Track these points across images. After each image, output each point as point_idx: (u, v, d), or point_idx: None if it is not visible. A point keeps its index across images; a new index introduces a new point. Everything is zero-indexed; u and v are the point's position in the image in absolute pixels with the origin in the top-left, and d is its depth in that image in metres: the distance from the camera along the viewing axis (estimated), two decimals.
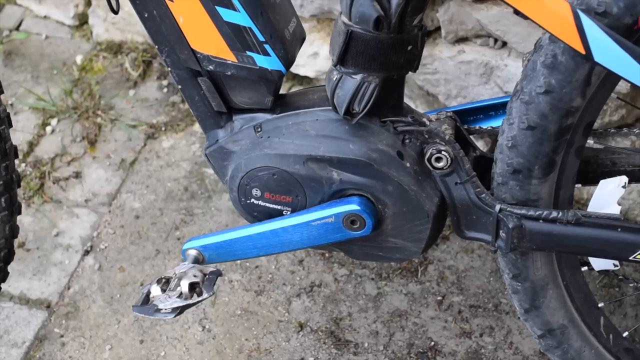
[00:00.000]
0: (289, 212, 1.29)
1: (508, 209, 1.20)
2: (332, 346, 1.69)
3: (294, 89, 2.06)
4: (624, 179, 1.20)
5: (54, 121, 2.11)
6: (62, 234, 1.90)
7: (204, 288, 1.24)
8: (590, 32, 1.02)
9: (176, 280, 1.25)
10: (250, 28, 1.19)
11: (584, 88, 1.10)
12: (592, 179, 1.28)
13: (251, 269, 1.82)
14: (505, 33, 1.69)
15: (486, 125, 1.33)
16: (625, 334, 1.42)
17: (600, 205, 1.21)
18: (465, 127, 1.31)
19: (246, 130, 1.28)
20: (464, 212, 1.26)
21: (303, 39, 1.30)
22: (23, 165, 2.02)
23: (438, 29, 1.79)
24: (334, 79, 1.20)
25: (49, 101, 2.14)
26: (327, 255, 1.83)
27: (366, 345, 1.69)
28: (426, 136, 1.24)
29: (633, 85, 1.06)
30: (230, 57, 1.21)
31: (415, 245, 1.29)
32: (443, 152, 1.22)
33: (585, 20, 1.02)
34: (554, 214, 1.18)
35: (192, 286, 1.24)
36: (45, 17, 2.37)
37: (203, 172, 2.00)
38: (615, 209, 1.20)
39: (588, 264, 1.31)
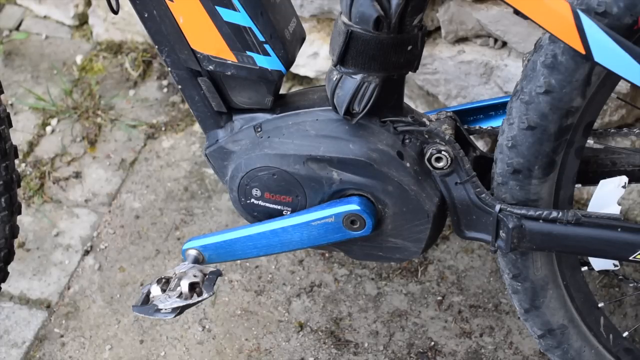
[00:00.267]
0: (289, 212, 1.29)
1: (508, 209, 1.20)
2: (332, 346, 1.69)
3: (294, 89, 2.06)
4: (624, 179, 1.20)
5: (54, 121, 2.11)
6: (62, 234, 1.90)
7: (204, 288, 1.24)
8: (590, 32, 1.02)
9: (176, 280, 1.25)
10: (250, 28, 1.19)
11: (584, 88, 1.10)
12: (592, 179, 1.28)
13: (251, 269, 1.82)
14: (505, 33, 1.69)
15: (486, 125, 1.33)
16: (625, 334, 1.42)
17: (600, 205, 1.21)
18: (465, 127, 1.31)
19: (246, 130, 1.28)
20: (464, 212, 1.26)
21: (303, 39, 1.30)
22: (23, 165, 2.02)
23: (438, 29, 1.79)
24: (334, 79, 1.20)
25: (49, 101, 2.14)
26: (327, 255, 1.83)
27: (366, 345, 1.69)
28: (426, 136, 1.24)
29: (633, 85, 1.06)
30: (230, 57, 1.21)
31: (415, 245, 1.29)
32: (443, 152, 1.22)
33: (585, 20, 1.02)
34: (554, 214, 1.18)
35: (192, 286, 1.24)
36: (45, 17, 2.37)
37: (203, 172, 2.00)
38: (615, 209, 1.20)
39: (588, 264, 1.31)
